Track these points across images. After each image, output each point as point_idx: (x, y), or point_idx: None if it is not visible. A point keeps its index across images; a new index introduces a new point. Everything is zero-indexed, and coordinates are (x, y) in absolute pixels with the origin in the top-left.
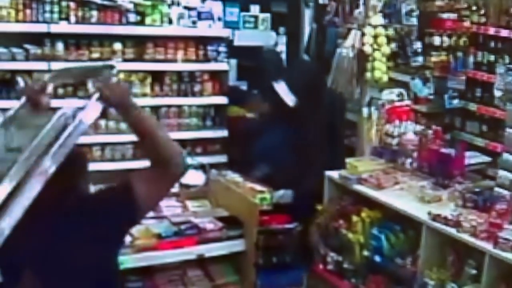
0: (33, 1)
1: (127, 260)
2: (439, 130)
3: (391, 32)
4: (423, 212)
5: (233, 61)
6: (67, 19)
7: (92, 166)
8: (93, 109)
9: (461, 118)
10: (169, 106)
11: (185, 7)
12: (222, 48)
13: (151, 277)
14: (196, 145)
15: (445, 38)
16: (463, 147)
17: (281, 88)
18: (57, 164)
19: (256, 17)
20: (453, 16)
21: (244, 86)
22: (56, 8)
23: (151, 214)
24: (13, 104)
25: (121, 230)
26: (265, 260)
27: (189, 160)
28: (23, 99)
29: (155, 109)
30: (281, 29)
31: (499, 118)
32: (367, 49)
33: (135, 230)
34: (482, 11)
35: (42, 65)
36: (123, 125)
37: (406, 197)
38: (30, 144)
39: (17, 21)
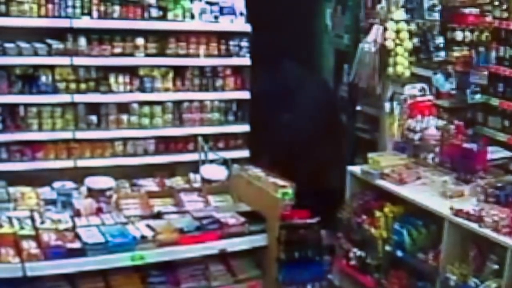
0: None
1: (150, 255)
2: (461, 125)
3: (413, 27)
4: (445, 207)
5: None
6: (89, 14)
7: (114, 161)
8: None
9: (483, 113)
10: (191, 101)
11: (207, 2)
12: (244, 43)
13: (174, 272)
14: (218, 140)
15: (467, 33)
16: (485, 142)
17: None
18: None
19: None
20: (475, 11)
21: None
22: (78, 3)
23: (173, 209)
24: (35, 99)
25: None
26: (287, 255)
27: (211, 155)
28: None
29: (177, 103)
30: None
31: None
32: (389, 44)
33: (157, 224)
34: (505, 6)
35: (64, 60)
36: (145, 120)
37: (428, 192)
38: None
39: (39, 16)
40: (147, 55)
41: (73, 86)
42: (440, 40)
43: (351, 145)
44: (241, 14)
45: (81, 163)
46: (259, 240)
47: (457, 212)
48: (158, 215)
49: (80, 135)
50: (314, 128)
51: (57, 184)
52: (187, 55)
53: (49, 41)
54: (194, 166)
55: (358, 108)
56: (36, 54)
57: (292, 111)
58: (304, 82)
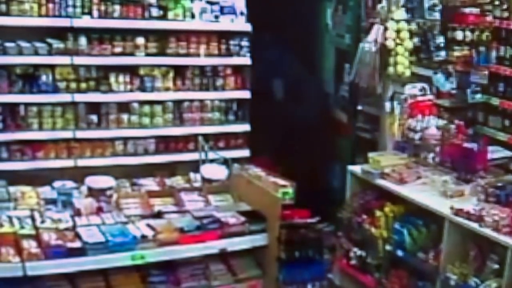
0: None
1: (150, 254)
2: (462, 125)
3: (413, 26)
4: (445, 206)
5: None
6: (90, 13)
7: (115, 161)
8: None
9: (483, 113)
10: (191, 101)
11: (208, 2)
12: (244, 43)
13: (174, 271)
14: (219, 140)
15: (468, 33)
16: (486, 142)
17: None
18: None
19: None
20: (475, 10)
21: None
22: (78, 3)
23: (173, 208)
24: (36, 99)
25: None
26: (287, 254)
27: (212, 155)
28: None
29: (177, 103)
30: None
31: None
32: (390, 43)
33: (158, 224)
34: (505, 6)
35: (64, 60)
36: (145, 120)
37: (428, 191)
38: None
39: (39, 15)
40: (148, 54)
41: (73, 85)
42: (440, 40)
43: (353, 144)
44: (242, 13)
45: (82, 162)
46: (259, 240)
47: (458, 212)
48: (159, 215)
49: (80, 134)
50: (304, 127)
51: (57, 184)
52: (187, 55)
53: (49, 40)
54: (195, 166)
55: (359, 107)
56: (36, 53)
57: (285, 109)
58: (297, 81)
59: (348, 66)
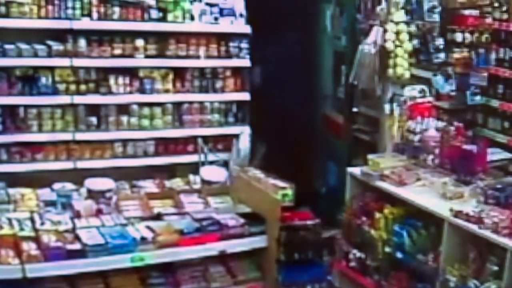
0: None
1: (149, 256)
2: (461, 127)
3: (413, 28)
4: (445, 208)
5: None
6: (89, 15)
7: (114, 163)
8: None
9: (483, 115)
10: (190, 103)
11: (207, 4)
12: (244, 45)
13: (173, 273)
14: (218, 142)
15: (467, 35)
16: (485, 144)
17: None
18: None
19: None
20: (475, 12)
21: None
22: (78, 5)
23: (173, 210)
24: (35, 101)
25: None
26: (287, 256)
27: (211, 157)
28: None
29: (177, 105)
30: None
31: None
32: (389, 45)
33: (157, 226)
34: (504, 8)
35: (64, 62)
36: (145, 122)
37: (428, 193)
38: None
39: (39, 17)
40: (147, 56)
41: (73, 87)
42: (440, 42)
43: (349, 146)
44: (241, 15)
45: (81, 164)
46: (259, 242)
47: (457, 214)
48: (158, 217)
49: (80, 136)
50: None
51: (57, 186)
52: (187, 57)
53: (49, 42)
54: (194, 168)
55: (355, 109)
56: (36, 55)
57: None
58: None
59: (345, 67)
